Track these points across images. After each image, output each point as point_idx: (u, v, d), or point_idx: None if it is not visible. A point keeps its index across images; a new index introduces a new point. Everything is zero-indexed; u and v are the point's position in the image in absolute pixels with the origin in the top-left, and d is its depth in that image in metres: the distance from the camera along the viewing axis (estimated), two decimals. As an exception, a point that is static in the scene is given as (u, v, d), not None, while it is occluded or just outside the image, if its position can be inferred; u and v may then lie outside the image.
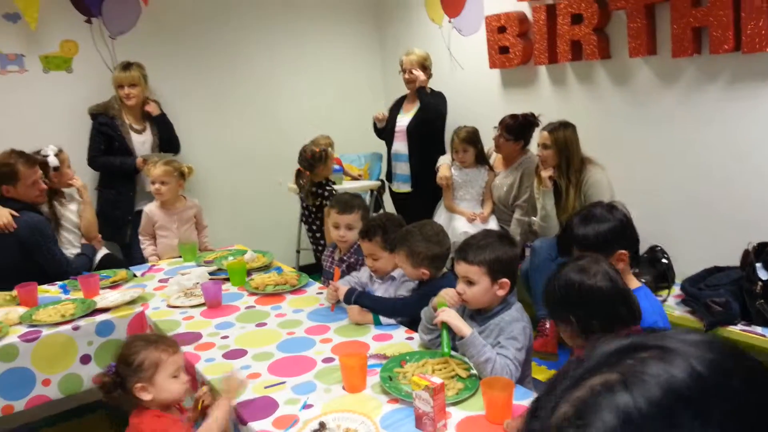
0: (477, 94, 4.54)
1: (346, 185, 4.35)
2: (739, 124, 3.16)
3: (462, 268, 1.93)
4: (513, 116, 3.74)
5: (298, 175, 3.89)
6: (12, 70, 3.92)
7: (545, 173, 3.39)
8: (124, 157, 3.94)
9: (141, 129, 4.08)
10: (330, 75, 5.16)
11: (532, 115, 3.74)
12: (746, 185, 3.17)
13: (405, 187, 4.48)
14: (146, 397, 1.66)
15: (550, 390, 0.52)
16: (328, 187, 3.82)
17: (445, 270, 2.30)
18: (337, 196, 3.11)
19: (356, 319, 2.30)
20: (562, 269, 1.64)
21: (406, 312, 2.25)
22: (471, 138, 3.88)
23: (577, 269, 1.61)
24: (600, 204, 2.14)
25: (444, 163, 4.05)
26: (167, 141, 4.15)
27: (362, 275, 2.63)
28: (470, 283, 1.91)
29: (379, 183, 4.66)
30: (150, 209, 3.48)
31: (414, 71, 4.19)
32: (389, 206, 4.77)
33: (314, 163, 3.77)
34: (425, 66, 4.26)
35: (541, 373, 3.24)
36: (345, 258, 2.87)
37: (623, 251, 2.00)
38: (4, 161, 3.13)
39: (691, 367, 0.47)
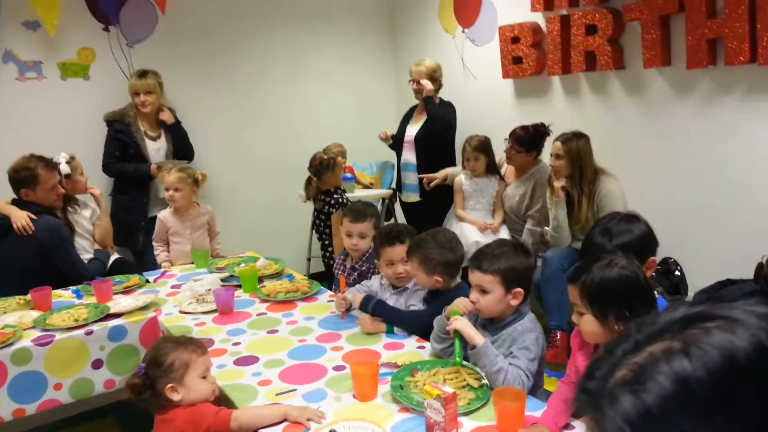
0: (490, 104, 4.54)
1: (357, 194, 4.36)
2: (754, 136, 3.13)
3: (476, 277, 1.92)
4: (524, 128, 3.73)
5: (308, 182, 3.90)
6: (30, 77, 3.97)
7: (558, 183, 3.38)
8: (139, 164, 3.97)
9: (156, 136, 4.11)
10: (345, 84, 5.19)
11: (543, 125, 3.73)
12: (761, 197, 3.13)
13: (414, 197, 4.48)
14: (176, 397, 1.69)
15: (609, 352, 0.52)
16: (336, 195, 3.82)
17: (459, 280, 2.29)
18: (351, 205, 3.11)
19: (368, 329, 2.29)
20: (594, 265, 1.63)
21: (422, 324, 2.23)
22: (482, 147, 3.88)
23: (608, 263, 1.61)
24: (619, 214, 2.14)
25: (444, 172, 4.06)
26: (181, 148, 4.18)
27: (373, 284, 2.62)
28: (484, 292, 1.90)
29: (390, 192, 4.66)
30: (164, 215, 3.50)
31: (422, 81, 4.20)
32: (401, 215, 4.77)
33: (321, 170, 3.77)
34: (434, 77, 4.26)
35: (553, 384, 3.19)
36: (357, 266, 2.87)
37: (653, 257, 2.03)
38: (25, 165, 3.17)
39: (757, 340, 0.46)
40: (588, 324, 1.64)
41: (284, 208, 4.92)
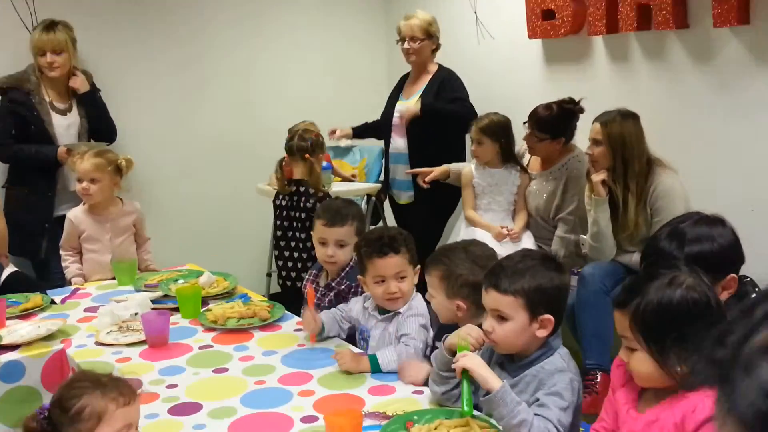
0: (511, 73, 4.56)
1: (336, 188, 4.35)
2: None
3: (492, 299, 1.93)
4: (547, 106, 3.76)
5: (281, 167, 3.89)
6: None
7: (597, 177, 3.40)
8: (42, 146, 3.95)
9: (65, 109, 4.09)
10: (320, 44, 5.21)
11: (572, 101, 3.75)
12: None
13: (405, 197, 4.50)
14: None
15: (744, 313, 0.55)
16: (311, 191, 3.81)
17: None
18: (325, 204, 3.11)
19: (348, 366, 2.29)
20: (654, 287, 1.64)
21: None
22: (493, 129, 3.89)
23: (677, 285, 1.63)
24: (698, 214, 2.15)
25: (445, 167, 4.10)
26: (99, 125, 4.16)
27: (353, 309, 2.63)
28: (502, 318, 1.91)
29: (378, 186, 4.68)
30: (75, 215, 3.48)
31: (413, 42, 4.22)
32: (391, 219, 4.78)
33: (316, 148, 3.79)
34: (430, 33, 4.28)
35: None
36: (333, 284, 2.87)
37: (734, 276, 2.05)
38: None
39: None
40: (641, 363, 1.65)
41: (237, 206, 4.92)
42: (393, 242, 2.46)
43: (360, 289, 2.73)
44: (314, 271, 3.01)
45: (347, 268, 2.86)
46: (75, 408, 1.67)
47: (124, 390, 1.76)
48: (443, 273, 2.25)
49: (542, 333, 1.91)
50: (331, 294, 2.84)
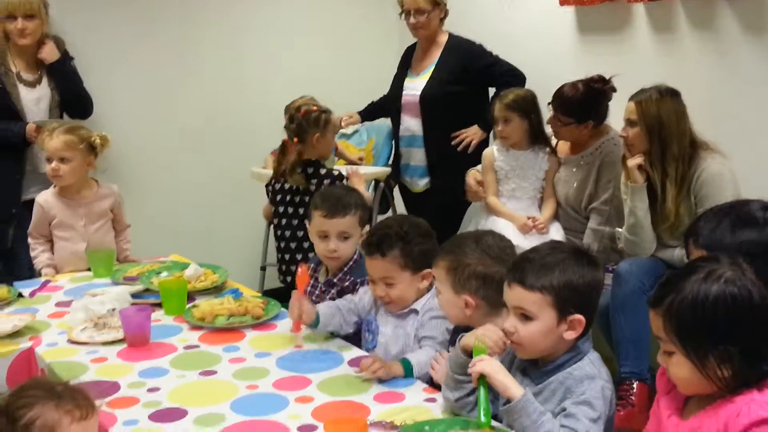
0: (538, 43, 4.56)
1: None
2: None
3: (515, 295, 1.93)
4: (573, 85, 3.75)
5: (283, 148, 3.87)
6: None
7: (632, 162, 3.40)
8: (9, 122, 3.96)
9: (34, 81, 4.11)
10: (321, 12, 5.20)
11: (601, 79, 3.74)
12: None
13: (420, 184, 4.51)
14: None
15: None
16: (323, 170, 3.78)
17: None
18: (323, 192, 3.11)
19: (381, 374, 2.25)
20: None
21: None
22: (520, 104, 3.90)
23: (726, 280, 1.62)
24: (743, 202, 2.16)
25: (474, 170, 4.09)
26: (73, 99, 4.17)
27: (362, 300, 2.65)
28: (526, 317, 1.92)
29: (387, 170, 4.69)
30: (45, 198, 3.50)
31: (419, 15, 4.21)
32: (401, 208, 4.78)
33: (307, 128, 3.75)
34: (437, 0, 4.28)
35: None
36: (335, 281, 2.88)
37: None
38: None
39: None
40: (678, 367, 1.65)
41: (228, 191, 4.94)
42: (383, 241, 2.49)
43: (366, 286, 2.75)
44: (312, 265, 3.02)
45: (350, 263, 2.87)
46: (25, 419, 1.66)
47: (81, 402, 1.74)
48: (450, 264, 2.25)
49: (571, 335, 1.91)
50: (333, 291, 2.85)
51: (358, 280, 2.82)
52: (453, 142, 4.30)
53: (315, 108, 3.82)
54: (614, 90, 3.72)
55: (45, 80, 4.13)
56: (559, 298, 1.89)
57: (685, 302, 1.61)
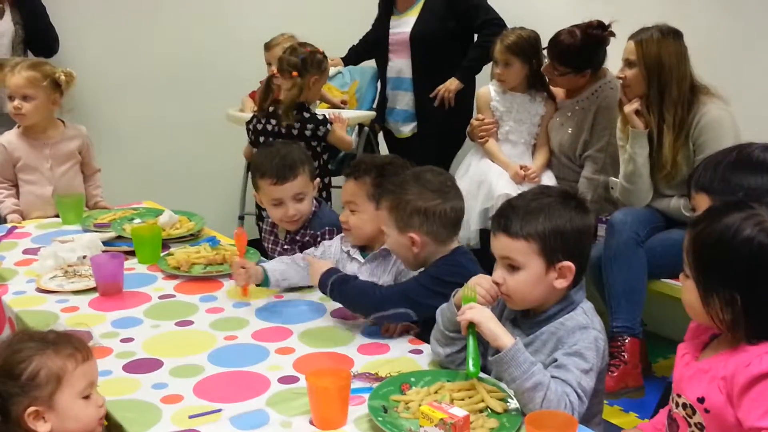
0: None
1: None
2: None
3: (500, 244, 1.95)
4: (570, 33, 3.73)
5: (268, 85, 3.85)
6: None
7: (630, 107, 3.40)
8: None
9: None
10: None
11: (600, 25, 3.72)
12: None
13: (407, 129, 4.50)
14: (43, 428, 1.69)
15: None
16: (306, 114, 3.77)
17: (458, 244, 2.34)
18: (263, 157, 2.96)
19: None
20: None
21: (392, 305, 2.23)
22: (523, 47, 3.89)
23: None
24: (744, 145, 2.16)
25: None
26: (39, 34, 4.13)
27: (332, 246, 2.67)
28: (513, 267, 1.93)
29: (372, 114, 4.67)
30: (8, 140, 3.49)
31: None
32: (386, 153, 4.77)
33: (309, 67, 3.76)
34: None
35: (617, 416, 3.27)
36: (297, 237, 2.90)
37: None
38: None
39: None
40: (688, 293, 1.69)
41: (204, 133, 4.92)
42: (358, 167, 2.58)
43: (329, 234, 2.78)
44: (270, 220, 3.02)
45: (311, 217, 2.88)
46: (27, 373, 1.69)
47: (78, 345, 1.78)
48: (392, 204, 2.29)
49: (561, 283, 1.93)
50: (296, 247, 2.86)
51: (318, 233, 2.84)
52: (435, 102, 4.30)
53: (319, 50, 3.82)
54: (613, 35, 3.71)
55: (7, 13, 4.08)
56: (545, 245, 1.91)
57: (714, 233, 1.63)
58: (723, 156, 2.14)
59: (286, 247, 2.92)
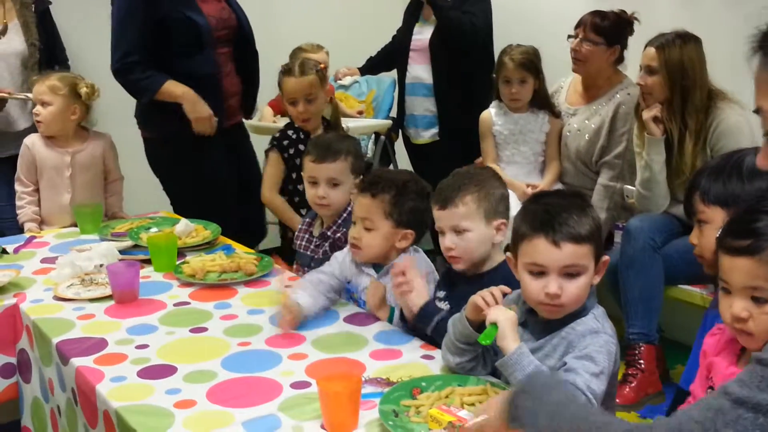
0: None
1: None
2: None
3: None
4: (599, 13, 3.75)
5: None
6: None
7: (648, 113, 3.39)
8: None
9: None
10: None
11: (625, 12, 3.75)
12: None
13: (427, 135, 4.50)
14: None
15: None
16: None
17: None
18: (316, 138, 3.14)
19: (372, 303, 2.44)
20: None
21: None
22: (534, 62, 3.88)
23: None
24: (739, 152, 2.14)
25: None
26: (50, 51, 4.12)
27: (336, 267, 2.65)
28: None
29: (389, 123, 4.69)
30: (33, 141, 3.54)
31: None
32: (403, 162, 4.78)
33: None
34: None
35: (633, 421, 3.24)
36: (329, 233, 2.91)
37: None
38: None
39: None
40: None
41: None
42: (375, 183, 2.54)
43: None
44: (308, 219, 3.05)
45: (344, 214, 2.90)
46: None
47: None
48: (478, 194, 2.33)
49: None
50: (326, 245, 2.88)
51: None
52: None
53: (317, 63, 3.82)
54: (634, 22, 3.73)
55: (19, 33, 4.05)
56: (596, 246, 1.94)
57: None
58: (727, 167, 2.11)
59: (317, 243, 2.94)
